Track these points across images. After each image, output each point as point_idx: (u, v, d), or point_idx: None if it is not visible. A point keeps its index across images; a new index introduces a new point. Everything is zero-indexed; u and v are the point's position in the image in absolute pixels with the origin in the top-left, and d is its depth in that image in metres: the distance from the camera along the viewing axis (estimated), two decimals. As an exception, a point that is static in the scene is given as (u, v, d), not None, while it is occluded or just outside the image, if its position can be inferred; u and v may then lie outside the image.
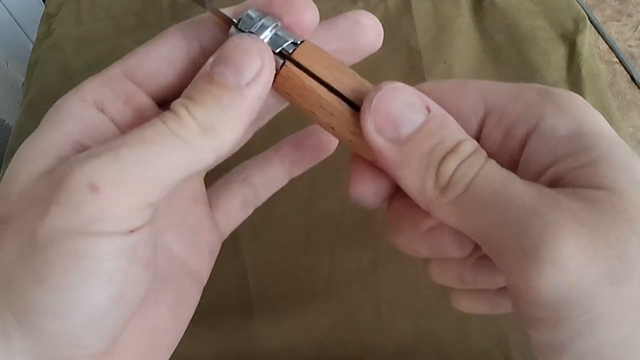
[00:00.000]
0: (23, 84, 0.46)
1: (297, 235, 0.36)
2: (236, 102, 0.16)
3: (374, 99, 0.17)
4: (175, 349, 0.37)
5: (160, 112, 0.18)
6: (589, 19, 0.42)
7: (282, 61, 0.18)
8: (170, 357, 0.36)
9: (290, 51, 0.18)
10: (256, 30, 0.18)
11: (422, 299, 0.34)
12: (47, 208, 0.15)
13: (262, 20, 0.18)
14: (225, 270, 0.36)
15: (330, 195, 0.37)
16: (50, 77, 0.44)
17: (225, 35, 0.19)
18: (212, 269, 0.36)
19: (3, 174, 0.42)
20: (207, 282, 0.36)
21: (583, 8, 0.43)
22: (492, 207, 0.16)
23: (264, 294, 0.35)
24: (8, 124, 0.65)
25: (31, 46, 0.48)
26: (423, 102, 0.17)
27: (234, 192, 0.24)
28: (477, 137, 0.18)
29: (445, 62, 0.41)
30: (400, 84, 0.17)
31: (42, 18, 0.48)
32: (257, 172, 0.24)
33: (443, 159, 0.16)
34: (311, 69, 0.18)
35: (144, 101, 0.19)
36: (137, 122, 0.18)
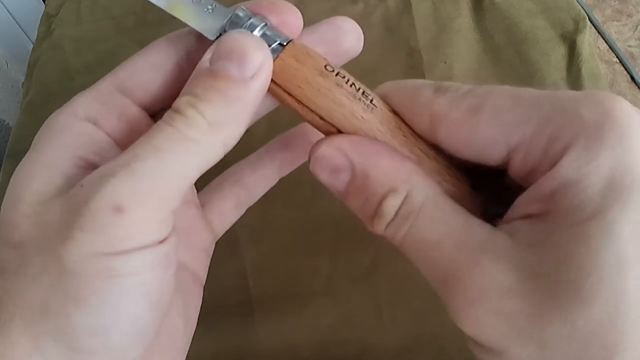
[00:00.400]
0: (23, 84, 0.46)
1: (297, 235, 0.36)
2: (241, 95, 0.17)
3: (311, 167, 0.18)
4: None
5: (152, 122, 0.18)
6: (589, 19, 0.42)
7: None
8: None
9: (277, 53, 0.18)
10: (246, 29, 0.18)
11: (423, 300, 0.34)
12: (71, 233, 0.15)
13: (251, 20, 0.19)
14: (225, 270, 0.36)
15: (330, 195, 0.37)
16: (50, 77, 0.44)
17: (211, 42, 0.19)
18: (212, 269, 0.36)
19: (3, 175, 0.42)
20: (207, 282, 0.36)
21: (583, 8, 0.43)
22: (422, 266, 0.17)
23: (264, 294, 0.35)
24: (8, 124, 0.65)
25: (31, 46, 0.48)
26: (348, 159, 0.18)
27: (227, 194, 0.24)
28: (505, 164, 0.17)
29: (445, 62, 0.41)
30: (326, 145, 0.18)
31: (42, 18, 0.48)
32: (250, 173, 0.24)
33: (373, 217, 0.17)
34: (286, 89, 0.18)
35: (137, 113, 0.19)
36: (131, 135, 0.18)
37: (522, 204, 0.17)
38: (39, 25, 0.48)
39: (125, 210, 0.15)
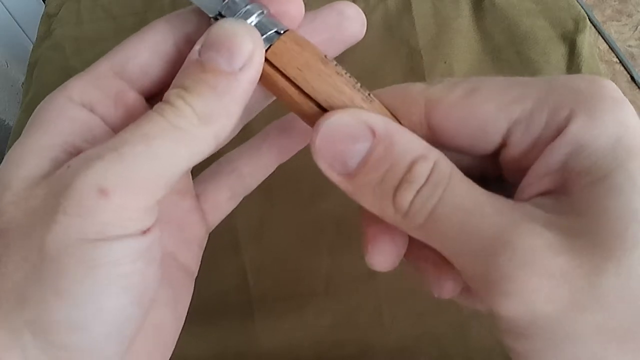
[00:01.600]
0: (23, 84, 0.46)
1: (297, 235, 0.36)
2: (231, 87, 0.16)
3: (316, 141, 0.16)
4: (175, 349, 0.37)
5: (149, 107, 0.17)
6: (589, 19, 0.42)
7: (271, 42, 0.18)
8: (170, 357, 0.36)
9: (272, 42, 0.18)
10: (241, 16, 0.18)
11: (422, 300, 0.34)
12: (54, 217, 0.14)
13: (248, 6, 0.18)
14: (225, 270, 0.36)
15: (330, 195, 0.37)
16: (50, 77, 0.44)
17: (209, 24, 0.18)
18: (212, 269, 0.36)
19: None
20: (207, 282, 0.36)
21: (583, 8, 0.43)
22: (457, 238, 0.15)
23: (264, 294, 0.35)
24: (8, 124, 0.65)
25: (31, 46, 0.48)
26: (367, 126, 0.16)
27: (223, 184, 0.23)
28: (502, 145, 0.17)
29: (445, 62, 0.41)
30: (341, 113, 0.17)
31: (42, 18, 0.48)
32: (247, 162, 0.23)
33: (397, 188, 0.16)
34: (283, 70, 0.18)
35: (134, 98, 0.18)
36: (128, 121, 0.17)
37: (534, 180, 0.16)
38: (39, 25, 0.48)
39: (109, 194, 0.14)
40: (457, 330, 0.34)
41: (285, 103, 0.18)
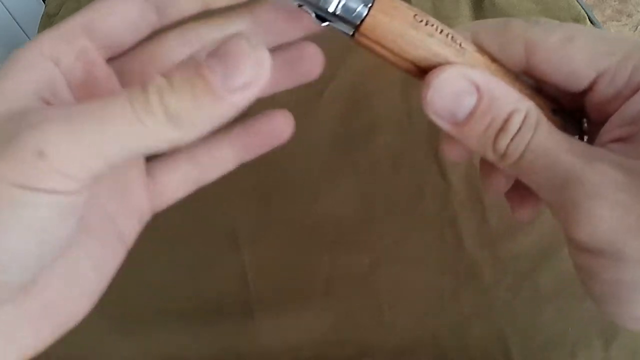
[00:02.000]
0: (23, 84, 0.46)
1: (297, 235, 0.36)
2: (214, 105, 0.16)
3: (427, 95, 0.19)
4: (175, 349, 0.37)
5: (108, 68, 0.18)
6: (589, 19, 0.42)
7: (361, 18, 0.19)
8: (170, 357, 0.37)
9: (363, 17, 0.19)
10: None
11: (422, 300, 0.34)
12: None
13: None
14: (225, 270, 0.36)
15: (330, 196, 0.37)
16: (50, 77, 0.44)
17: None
18: (212, 269, 0.36)
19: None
20: (207, 282, 0.36)
21: (583, 8, 0.43)
22: (541, 173, 0.18)
23: (264, 294, 0.35)
24: (8, 124, 0.65)
25: (31, 46, 0.47)
26: (472, 83, 0.19)
27: (178, 169, 0.23)
28: (588, 90, 0.20)
29: (445, 62, 0.41)
30: (449, 71, 0.19)
31: (42, 18, 0.48)
32: (206, 153, 0.23)
33: (496, 136, 0.19)
34: (380, 43, 0.19)
35: (95, 58, 0.19)
36: (86, 78, 0.18)
37: (610, 129, 0.19)
38: (39, 25, 0.48)
39: (46, 157, 0.15)
40: (457, 330, 0.34)
41: (389, 64, 0.20)
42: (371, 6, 0.19)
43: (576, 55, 0.19)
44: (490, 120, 0.19)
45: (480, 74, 0.19)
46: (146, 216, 0.22)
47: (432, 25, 0.20)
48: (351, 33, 0.20)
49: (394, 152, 0.38)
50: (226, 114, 0.16)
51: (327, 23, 0.20)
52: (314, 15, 0.20)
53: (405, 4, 0.20)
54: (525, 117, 0.19)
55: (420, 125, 0.38)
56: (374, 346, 0.34)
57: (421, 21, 0.19)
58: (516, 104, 0.19)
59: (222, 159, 0.23)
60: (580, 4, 0.43)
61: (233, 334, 0.35)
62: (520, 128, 0.19)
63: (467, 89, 0.19)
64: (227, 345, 0.35)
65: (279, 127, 0.23)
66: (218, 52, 0.16)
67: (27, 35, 0.71)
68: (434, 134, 0.38)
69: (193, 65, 0.16)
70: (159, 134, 0.16)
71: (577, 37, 0.19)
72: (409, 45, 0.19)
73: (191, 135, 0.16)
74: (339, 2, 0.19)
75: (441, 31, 0.20)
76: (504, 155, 0.19)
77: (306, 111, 0.39)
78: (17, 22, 0.70)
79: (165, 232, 0.37)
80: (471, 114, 0.19)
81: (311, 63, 0.22)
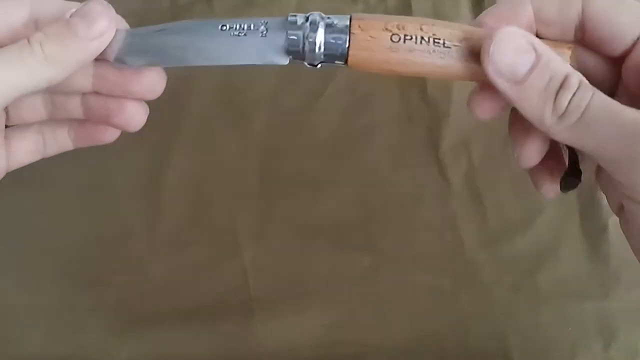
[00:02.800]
0: (23, 84, 0.46)
1: (297, 235, 0.36)
2: (79, 48, 0.21)
3: (491, 48, 0.20)
4: (175, 349, 0.37)
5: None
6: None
7: (345, 58, 0.20)
8: (170, 357, 0.37)
9: (348, 38, 0.20)
10: (309, 32, 0.20)
11: (422, 300, 0.34)
12: None
13: (309, 17, 0.20)
14: (226, 270, 0.36)
15: (330, 196, 0.37)
16: (50, 77, 0.44)
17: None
18: (212, 269, 0.36)
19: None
20: (207, 282, 0.36)
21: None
22: (603, 129, 0.19)
23: (264, 294, 0.35)
24: (8, 124, 0.65)
25: (31, 46, 0.47)
26: (531, 44, 0.20)
27: (29, 136, 0.26)
28: (629, 51, 0.21)
29: (445, 62, 0.41)
30: (510, 30, 0.20)
31: (42, 18, 0.48)
32: (50, 130, 0.26)
33: (557, 92, 0.19)
34: (374, 70, 0.21)
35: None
36: None
37: None
38: (39, 25, 0.48)
39: None
40: (457, 330, 0.34)
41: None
42: (348, 46, 0.20)
43: (625, 12, 0.21)
44: (550, 77, 0.19)
45: (536, 38, 0.20)
46: (1, 174, 0.25)
47: (411, 37, 0.20)
48: (344, 65, 0.21)
49: (394, 152, 0.38)
50: (88, 57, 0.21)
51: (319, 65, 0.21)
52: (306, 64, 0.21)
53: (379, 23, 0.20)
54: (581, 81, 0.19)
55: (420, 126, 0.38)
56: (374, 346, 0.34)
57: (399, 40, 0.20)
58: (571, 70, 0.20)
59: (60, 141, 0.27)
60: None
61: (233, 334, 0.35)
62: (579, 87, 0.19)
63: (526, 47, 0.20)
64: (227, 345, 0.35)
65: (105, 129, 0.26)
66: (81, 14, 0.21)
67: (27, 35, 0.71)
68: (434, 134, 0.38)
69: (63, 23, 0.21)
70: (39, 72, 0.21)
71: (629, 2, 0.22)
72: (396, 67, 0.20)
73: (63, 73, 0.21)
74: (320, 53, 0.20)
75: (421, 39, 0.20)
76: (564, 114, 0.19)
77: (306, 111, 0.39)
78: (17, 22, 0.70)
79: (165, 232, 0.37)
80: (531, 70, 0.20)
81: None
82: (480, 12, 0.42)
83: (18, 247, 0.38)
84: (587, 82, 0.20)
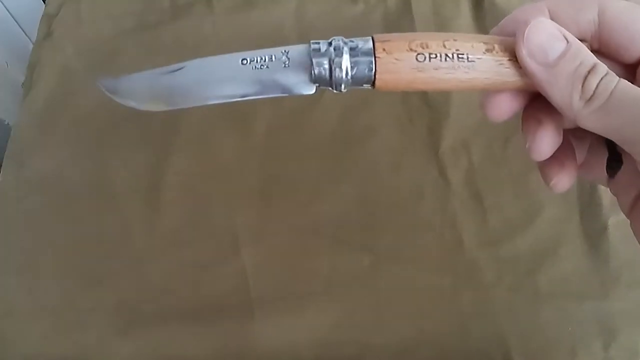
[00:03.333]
0: (23, 84, 0.46)
1: (297, 236, 0.36)
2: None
3: (526, 31, 0.20)
4: (175, 349, 0.37)
5: None
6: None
7: (371, 82, 0.20)
8: (170, 357, 0.37)
9: (373, 62, 0.20)
10: (334, 58, 0.20)
11: (422, 300, 0.34)
12: None
13: (332, 44, 0.20)
14: (225, 270, 0.36)
15: (330, 196, 0.37)
16: (51, 77, 0.44)
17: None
18: (212, 269, 0.36)
19: (3, 175, 0.42)
20: (207, 282, 0.36)
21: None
22: (631, 110, 0.20)
23: (264, 294, 0.35)
24: (8, 124, 0.65)
25: (31, 46, 0.48)
26: (562, 33, 0.21)
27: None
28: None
29: (445, 62, 0.41)
30: (543, 19, 0.21)
31: (42, 18, 0.48)
32: None
33: (586, 77, 0.20)
34: (408, 89, 0.21)
35: None
36: None
37: None
38: (39, 25, 0.48)
39: None
40: (457, 330, 0.34)
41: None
42: (375, 70, 0.20)
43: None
44: (579, 63, 0.20)
45: (563, 29, 0.21)
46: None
47: (435, 56, 0.20)
48: (371, 88, 0.21)
49: (394, 152, 0.38)
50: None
51: (345, 90, 0.21)
52: (333, 90, 0.21)
53: (403, 43, 0.20)
54: (607, 69, 0.20)
55: (421, 126, 0.38)
56: (374, 346, 0.34)
57: (424, 59, 0.20)
58: (597, 60, 0.21)
59: None
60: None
61: (233, 334, 0.35)
62: (606, 73, 0.20)
63: (558, 35, 0.21)
64: (227, 345, 0.35)
65: None
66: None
67: (27, 35, 0.71)
68: (434, 134, 0.38)
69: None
70: None
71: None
72: (422, 86, 0.21)
73: None
74: (347, 79, 0.20)
75: (445, 56, 0.20)
76: (592, 97, 0.20)
77: (306, 111, 0.39)
78: (17, 22, 0.70)
79: (165, 232, 0.37)
80: (562, 55, 0.21)
81: None
82: (481, 12, 0.42)
83: (19, 247, 0.38)
84: (613, 73, 0.20)
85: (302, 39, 0.42)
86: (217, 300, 0.35)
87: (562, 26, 0.22)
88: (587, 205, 0.36)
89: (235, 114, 0.39)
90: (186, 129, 0.39)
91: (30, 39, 0.71)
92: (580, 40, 0.22)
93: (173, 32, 0.44)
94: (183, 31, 0.44)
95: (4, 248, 0.38)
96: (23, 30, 0.71)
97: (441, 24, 0.42)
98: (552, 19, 0.23)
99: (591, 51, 0.22)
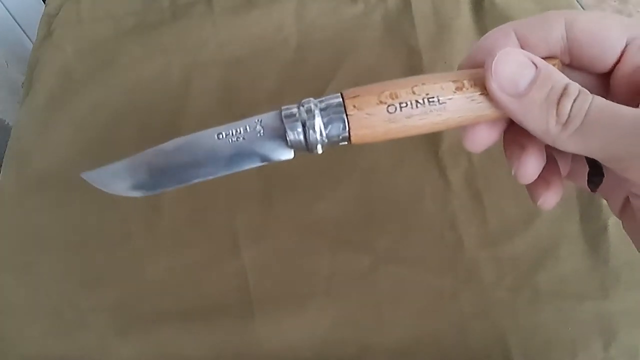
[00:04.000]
0: (23, 84, 0.46)
1: (298, 236, 0.36)
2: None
3: (493, 64, 0.20)
4: (176, 349, 0.37)
5: None
6: (589, 19, 0.42)
7: (347, 140, 0.20)
8: (170, 357, 0.37)
9: (345, 119, 0.20)
10: (308, 120, 0.20)
11: (423, 300, 0.34)
12: None
13: (303, 106, 0.20)
14: (225, 270, 0.36)
15: (330, 196, 0.37)
16: (50, 77, 0.44)
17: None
18: (212, 269, 0.36)
19: (3, 175, 0.42)
20: (207, 282, 0.36)
21: (583, 8, 0.43)
22: (608, 127, 0.19)
23: (264, 294, 0.35)
24: (8, 124, 0.65)
25: (31, 46, 0.48)
26: (530, 59, 0.21)
27: None
28: (617, 63, 0.22)
29: (445, 62, 0.41)
30: (509, 48, 0.21)
31: (42, 18, 0.48)
32: None
33: (559, 101, 0.20)
34: (375, 141, 0.21)
35: None
36: None
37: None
38: (39, 25, 0.48)
39: None
40: (457, 330, 0.34)
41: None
42: (349, 127, 0.20)
43: (611, 25, 0.21)
44: (551, 87, 0.20)
45: (531, 54, 0.21)
46: None
47: (406, 104, 0.20)
48: (348, 144, 0.21)
49: (394, 152, 0.38)
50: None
51: (322, 151, 0.21)
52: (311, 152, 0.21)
53: (372, 97, 0.20)
54: (580, 89, 0.20)
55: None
56: (374, 346, 0.34)
57: (395, 110, 0.20)
58: (568, 80, 0.20)
59: None
60: (580, 4, 0.43)
61: (233, 334, 0.35)
62: (579, 93, 0.20)
63: (526, 63, 0.21)
64: (227, 345, 0.35)
65: None
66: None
67: (27, 35, 0.71)
68: (434, 134, 0.38)
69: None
70: None
71: (609, 16, 0.22)
72: (398, 134, 0.21)
73: None
74: (322, 139, 0.20)
75: (416, 103, 0.20)
76: (567, 120, 0.20)
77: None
78: (17, 22, 0.70)
79: (165, 232, 0.37)
80: (532, 82, 0.20)
81: None
82: (481, 12, 0.42)
83: (18, 247, 0.38)
84: (584, 89, 0.20)
85: (302, 38, 0.42)
86: (217, 300, 0.35)
87: (531, 46, 0.22)
88: (587, 205, 0.36)
89: (235, 114, 0.39)
90: (186, 129, 0.39)
91: (30, 39, 0.71)
92: (551, 57, 0.22)
93: (173, 32, 0.44)
94: (183, 31, 0.44)
95: (4, 248, 0.38)
96: (23, 30, 0.71)
97: (441, 24, 0.42)
98: (519, 40, 0.22)
99: (563, 66, 0.22)
